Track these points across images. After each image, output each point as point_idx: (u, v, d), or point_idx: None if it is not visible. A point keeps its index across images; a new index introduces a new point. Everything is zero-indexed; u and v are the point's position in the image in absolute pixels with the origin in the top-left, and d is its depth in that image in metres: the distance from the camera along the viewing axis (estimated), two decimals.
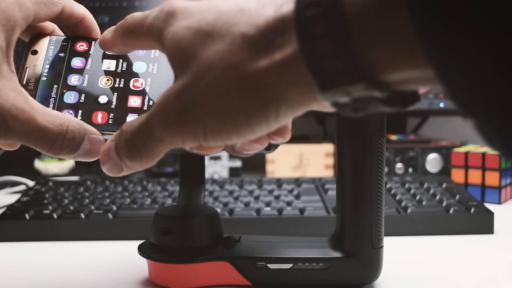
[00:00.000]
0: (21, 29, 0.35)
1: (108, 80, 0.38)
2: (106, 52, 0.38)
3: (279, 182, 0.69)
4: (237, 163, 0.92)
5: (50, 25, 0.40)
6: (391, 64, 0.23)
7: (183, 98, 0.28)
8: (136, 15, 0.33)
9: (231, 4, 0.29)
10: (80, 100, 0.38)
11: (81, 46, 0.39)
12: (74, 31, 0.40)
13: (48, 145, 0.34)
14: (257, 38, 0.27)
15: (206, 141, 0.29)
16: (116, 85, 0.38)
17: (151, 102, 0.38)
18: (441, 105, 0.86)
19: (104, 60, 0.39)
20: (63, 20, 0.39)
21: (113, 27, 0.35)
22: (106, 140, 0.36)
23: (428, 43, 0.21)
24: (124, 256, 0.51)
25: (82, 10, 0.39)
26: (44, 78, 0.38)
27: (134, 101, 0.38)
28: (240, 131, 0.28)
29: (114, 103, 0.38)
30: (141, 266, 0.46)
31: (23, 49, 0.39)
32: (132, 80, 0.38)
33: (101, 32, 0.37)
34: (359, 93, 0.24)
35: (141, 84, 0.38)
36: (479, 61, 0.19)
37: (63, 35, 0.40)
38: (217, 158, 0.92)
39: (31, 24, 0.36)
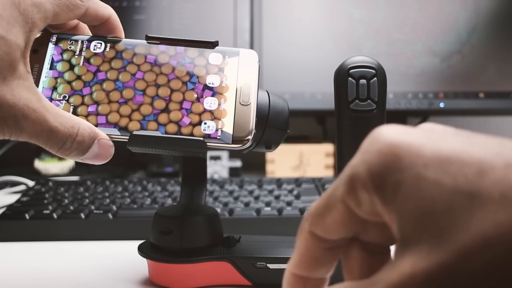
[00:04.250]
0: (39, 30, 0.35)
1: (108, 82, 0.38)
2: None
3: (279, 182, 0.69)
4: (237, 163, 0.92)
5: (73, 22, 0.40)
6: None
7: (442, 281, 0.20)
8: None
9: (491, 146, 0.20)
10: (79, 102, 0.38)
11: (81, 46, 0.39)
12: (97, 31, 0.40)
13: (58, 146, 0.34)
14: None
15: None
16: (116, 88, 0.38)
17: (153, 107, 0.38)
18: (441, 105, 0.86)
19: (104, 62, 0.39)
20: (87, 21, 0.39)
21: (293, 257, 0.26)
22: (114, 144, 0.36)
23: None
24: (124, 256, 0.51)
25: (107, 12, 0.39)
26: (44, 79, 0.38)
27: (135, 105, 0.38)
28: None
29: (111, 105, 0.38)
30: (141, 266, 0.46)
31: None
32: (134, 84, 0.38)
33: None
34: None
35: (145, 88, 0.38)
36: None
37: (67, 34, 0.40)
38: (217, 158, 0.92)
39: (51, 24, 0.36)
